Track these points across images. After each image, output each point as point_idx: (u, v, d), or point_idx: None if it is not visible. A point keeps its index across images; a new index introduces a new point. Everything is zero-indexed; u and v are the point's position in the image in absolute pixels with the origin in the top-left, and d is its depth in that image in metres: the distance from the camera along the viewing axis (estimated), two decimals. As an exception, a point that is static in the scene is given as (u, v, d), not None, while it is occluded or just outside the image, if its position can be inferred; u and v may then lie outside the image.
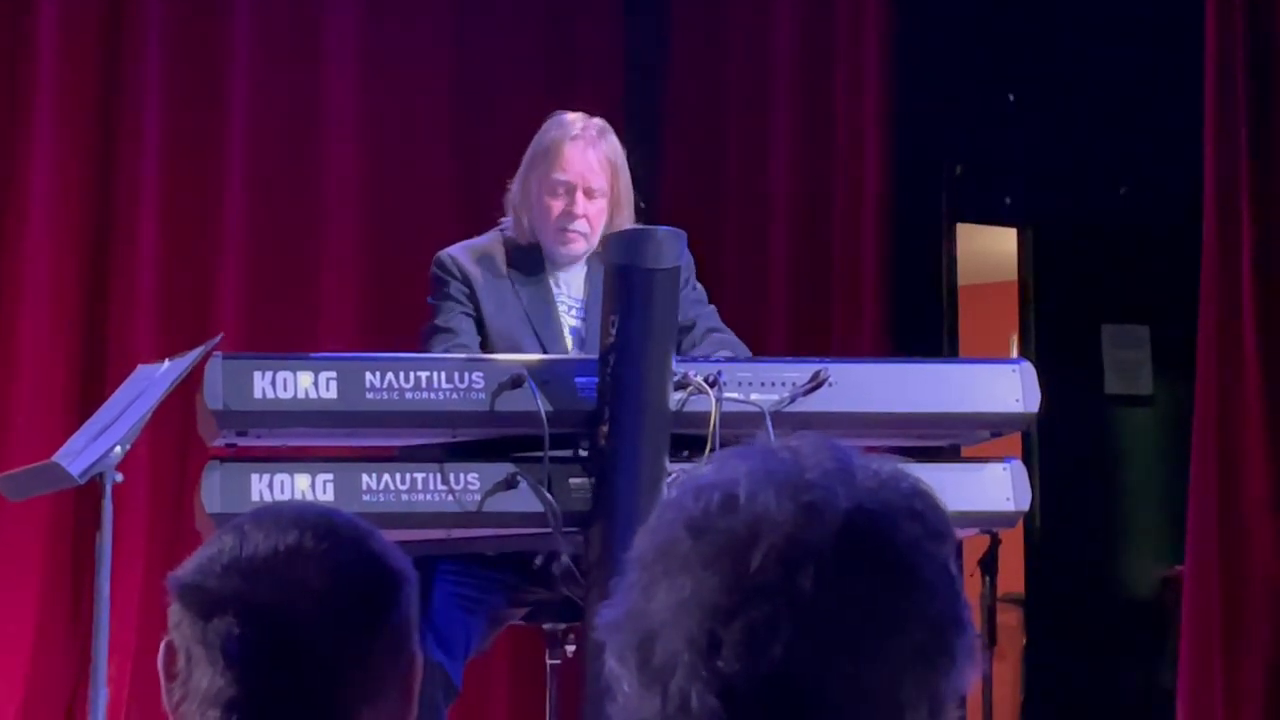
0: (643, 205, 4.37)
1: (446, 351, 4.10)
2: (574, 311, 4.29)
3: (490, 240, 4.35)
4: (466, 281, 4.24)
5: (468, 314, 4.23)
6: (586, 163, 4.24)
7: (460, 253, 4.31)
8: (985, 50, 6.96)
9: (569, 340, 4.26)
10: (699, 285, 4.35)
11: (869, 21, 6.63)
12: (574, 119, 4.31)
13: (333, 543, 1.70)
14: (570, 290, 4.30)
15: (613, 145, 4.29)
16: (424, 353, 4.15)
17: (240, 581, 1.67)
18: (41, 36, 5.94)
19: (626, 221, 4.27)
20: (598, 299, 4.11)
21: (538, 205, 4.26)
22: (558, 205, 4.24)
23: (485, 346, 4.19)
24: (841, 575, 1.27)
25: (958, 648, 1.31)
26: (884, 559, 1.29)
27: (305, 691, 1.66)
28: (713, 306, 4.38)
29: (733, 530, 1.29)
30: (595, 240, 4.24)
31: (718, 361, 3.91)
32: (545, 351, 4.15)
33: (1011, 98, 7.05)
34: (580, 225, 4.24)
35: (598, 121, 4.33)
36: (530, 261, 4.29)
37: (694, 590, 1.28)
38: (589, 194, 4.24)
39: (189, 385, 3.94)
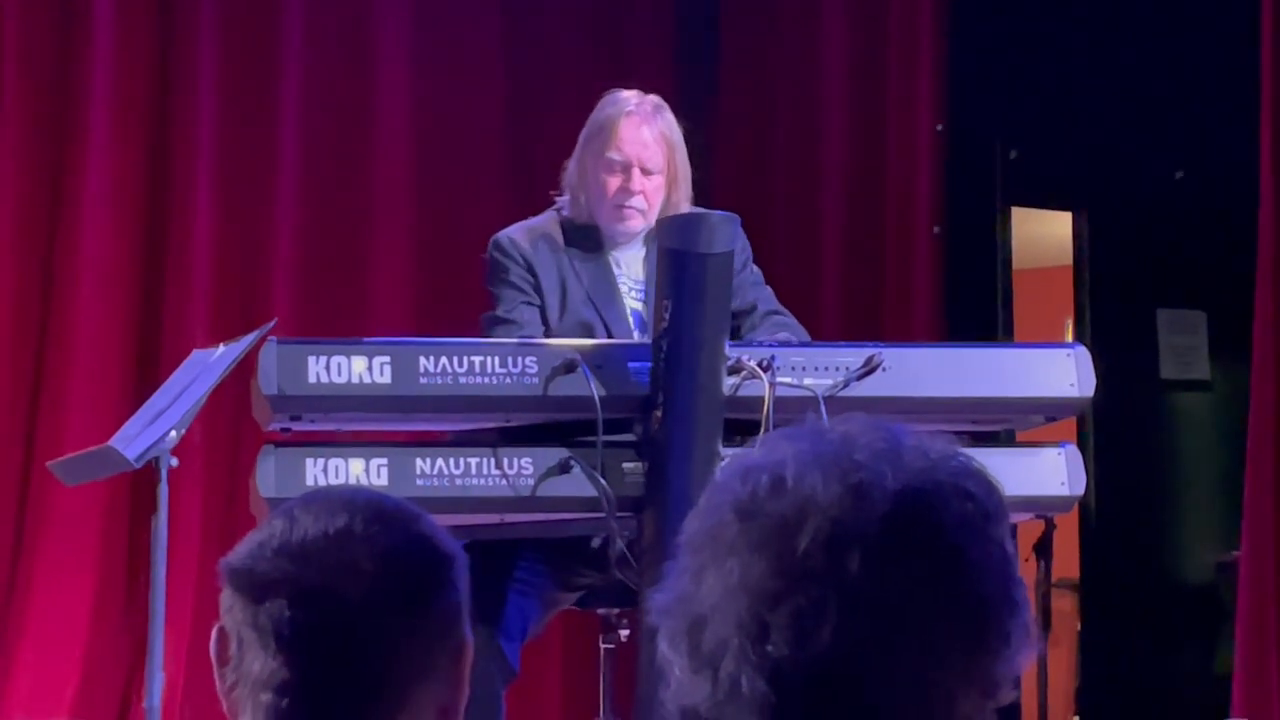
0: (697, 176, 4.33)
1: None
2: (635, 294, 4.25)
3: (547, 220, 4.30)
4: (529, 267, 4.20)
5: (530, 303, 4.17)
6: (641, 139, 4.20)
7: (519, 234, 4.25)
8: (1040, 32, 6.92)
9: (631, 322, 4.22)
10: (756, 268, 4.32)
11: (923, 2, 6.59)
12: (629, 96, 4.27)
13: (382, 525, 1.70)
14: (631, 272, 4.26)
15: (668, 121, 4.25)
16: None
17: (291, 565, 1.67)
18: (97, 28, 5.97)
19: (684, 198, 4.24)
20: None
21: (594, 183, 4.22)
22: (614, 182, 4.20)
23: (546, 330, 4.15)
24: (889, 557, 1.26)
25: (1011, 628, 1.29)
26: (932, 540, 1.27)
27: (356, 673, 1.66)
28: (770, 289, 4.36)
29: (780, 513, 1.28)
30: (653, 217, 4.20)
31: (771, 346, 3.90)
32: (609, 333, 4.13)
33: (1066, 81, 7.01)
34: (637, 202, 4.20)
35: (653, 98, 4.29)
36: (589, 241, 4.25)
37: (742, 575, 1.27)
38: (645, 171, 4.20)
39: (243, 370, 3.96)
